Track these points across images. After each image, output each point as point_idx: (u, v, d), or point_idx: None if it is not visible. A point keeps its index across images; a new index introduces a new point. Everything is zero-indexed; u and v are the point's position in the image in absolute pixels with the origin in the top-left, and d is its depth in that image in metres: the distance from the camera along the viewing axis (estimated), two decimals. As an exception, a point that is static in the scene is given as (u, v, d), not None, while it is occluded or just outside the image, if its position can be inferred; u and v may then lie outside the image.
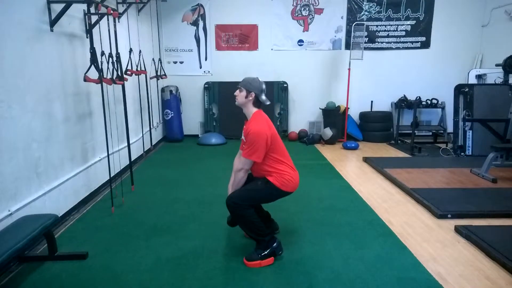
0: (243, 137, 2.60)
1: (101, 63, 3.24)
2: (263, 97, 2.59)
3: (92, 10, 3.35)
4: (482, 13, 6.81)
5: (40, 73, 2.96)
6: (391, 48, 7.04)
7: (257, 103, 2.59)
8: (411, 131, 6.18)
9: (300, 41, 7.00)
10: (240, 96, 2.57)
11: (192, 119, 7.25)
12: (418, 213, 3.43)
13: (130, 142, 3.96)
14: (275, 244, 2.56)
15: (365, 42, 6.77)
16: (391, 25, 6.95)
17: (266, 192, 2.57)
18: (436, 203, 3.47)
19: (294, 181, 2.60)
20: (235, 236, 2.96)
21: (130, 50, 4.61)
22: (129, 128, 3.82)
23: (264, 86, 2.60)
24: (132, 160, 4.06)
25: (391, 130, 6.94)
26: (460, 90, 5.56)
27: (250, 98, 2.55)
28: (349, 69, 6.51)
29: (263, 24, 6.91)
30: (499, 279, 2.33)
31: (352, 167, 5.13)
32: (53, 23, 3.10)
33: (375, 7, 6.87)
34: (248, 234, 2.63)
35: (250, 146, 2.45)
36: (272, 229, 2.87)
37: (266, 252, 2.52)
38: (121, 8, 4.54)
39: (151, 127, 5.89)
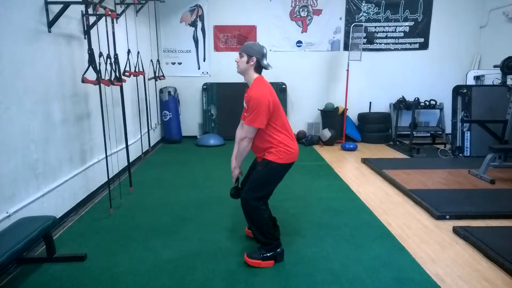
0: (244, 105, 2.51)
1: (99, 64, 3.24)
2: (265, 61, 2.49)
3: (90, 11, 3.35)
4: (480, 15, 6.84)
5: (38, 74, 2.96)
6: (389, 49, 7.05)
7: (259, 68, 2.49)
8: (409, 132, 6.19)
9: (299, 42, 7.01)
10: (241, 61, 2.47)
11: (191, 120, 7.25)
12: (416, 214, 3.44)
13: (129, 143, 3.95)
14: (279, 250, 2.56)
15: (364, 43, 6.78)
16: (390, 26, 6.97)
17: (269, 173, 2.49)
18: (435, 204, 3.47)
19: (292, 151, 2.51)
20: (234, 237, 2.96)
21: (128, 51, 4.60)
22: (127, 130, 3.82)
23: (265, 51, 2.50)
24: (130, 161, 4.05)
25: (390, 131, 6.96)
26: (458, 91, 5.57)
27: (252, 63, 2.45)
28: (347, 70, 6.52)
29: (262, 25, 6.91)
30: (497, 280, 2.33)
31: (351, 168, 5.14)
32: (51, 24, 3.09)
33: (374, 8, 6.89)
34: (255, 236, 2.60)
35: (252, 112, 2.35)
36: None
37: (268, 255, 2.52)
38: (119, 9, 4.54)
39: (150, 128, 5.88)
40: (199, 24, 6.91)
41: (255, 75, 2.50)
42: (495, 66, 5.18)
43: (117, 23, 4.34)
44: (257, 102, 2.34)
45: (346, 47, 6.84)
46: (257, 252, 2.53)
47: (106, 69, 3.42)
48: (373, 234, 3.01)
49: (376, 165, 4.96)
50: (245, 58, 2.46)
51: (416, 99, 6.70)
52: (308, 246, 2.80)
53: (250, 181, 2.56)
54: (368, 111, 7.15)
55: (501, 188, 4.01)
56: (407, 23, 6.95)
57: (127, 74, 4.43)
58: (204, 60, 7.07)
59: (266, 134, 2.46)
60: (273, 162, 2.46)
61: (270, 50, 6.91)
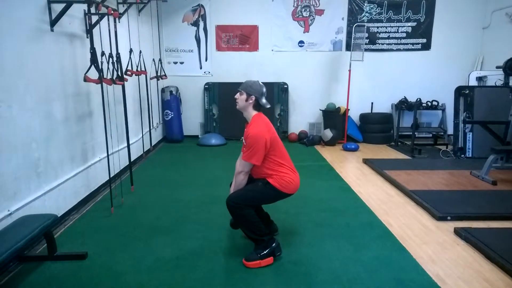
0: (243, 141, 2.61)
1: (101, 63, 3.25)
2: (264, 100, 2.60)
3: (93, 10, 3.36)
4: (483, 15, 6.82)
5: (40, 73, 2.97)
6: (391, 50, 7.04)
7: (257, 106, 2.60)
8: (411, 133, 6.18)
9: (301, 42, 7.00)
10: (241, 99, 2.59)
11: (192, 119, 7.25)
12: (417, 215, 3.43)
13: (130, 142, 3.96)
14: (274, 244, 2.57)
15: (366, 44, 6.77)
16: (392, 27, 6.95)
17: (266, 193, 2.57)
18: (436, 205, 3.46)
19: (294, 183, 2.61)
20: (235, 236, 2.96)
21: (130, 51, 4.61)
22: (129, 129, 3.82)
23: (264, 90, 2.61)
24: (131, 160, 4.06)
25: (391, 131, 6.94)
26: (460, 92, 5.56)
27: (251, 101, 2.56)
28: (349, 71, 6.51)
29: (264, 25, 6.91)
30: (498, 281, 2.33)
31: (352, 169, 5.13)
32: (53, 23, 3.10)
33: (376, 9, 6.88)
34: (247, 235, 2.63)
35: (249, 149, 2.47)
36: (271, 231, 2.87)
37: (265, 252, 2.53)
38: (121, 9, 4.55)
39: (151, 127, 5.89)
40: (201, 24, 6.92)
41: (254, 112, 2.60)
42: (497, 67, 5.15)
43: (119, 22, 4.36)
44: (254, 139, 2.45)
45: (348, 48, 6.83)
46: (253, 253, 2.54)
47: (108, 68, 3.43)
48: (373, 235, 3.01)
49: (377, 166, 4.95)
50: (244, 96, 2.57)
51: (418, 99, 6.68)
52: (309, 246, 2.80)
53: (245, 190, 2.59)
54: (370, 111, 7.14)
55: (502, 189, 4.00)
56: (409, 24, 6.94)
57: (129, 73, 4.43)
58: (206, 60, 7.07)
59: (265, 168, 2.56)
60: (273, 186, 2.53)
61: (272, 50, 6.92)
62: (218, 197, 3.83)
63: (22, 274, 2.43)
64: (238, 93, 2.61)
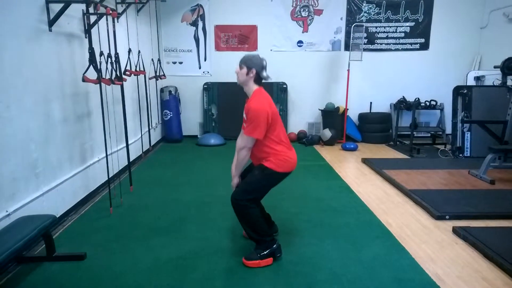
0: (244, 116, 2.55)
1: (100, 63, 3.24)
2: (265, 73, 2.52)
3: (91, 10, 3.35)
4: (480, 15, 6.83)
5: (39, 73, 2.96)
6: (390, 50, 7.05)
7: (259, 80, 2.53)
8: (410, 133, 6.19)
9: (300, 42, 7.00)
10: (241, 73, 2.51)
11: (191, 119, 7.25)
12: (416, 214, 3.44)
13: (129, 142, 3.95)
14: (275, 246, 2.56)
15: (365, 44, 6.78)
16: (390, 27, 6.96)
17: (265, 179, 2.53)
18: (434, 205, 3.47)
19: (290, 160, 2.55)
20: (234, 236, 2.97)
21: (129, 50, 4.60)
22: (127, 129, 3.82)
23: (265, 63, 2.53)
24: (130, 160, 4.05)
25: (390, 131, 6.95)
26: (458, 91, 5.57)
27: (251, 75, 2.48)
28: (348, 70, 6.52)
29: (263, 24, 6.91)
30: (497, 280, 2.33)
31: (351, 168, 5.14)
32: (51, 23, 3.10)
33: (375, 9, 6.88)
34: (249, 234, 2.61)
35: (251, 123, 2.40)
36: (272, 231, 2.86)
37: (265, 253, 2.52)
38: (120, 8, 4.53)
39: (150, 127, 5.88)
40: (200, 24, 6.92)
41: (255, 87, 2.53)
42: (495, 67, 5.17)
43: (118, 22, 4.34)
44: (256, 113, 2.38)
45: (347, 47, 6.83)
46: (254, 253, 2.54)
47: (106, 68, 3.42)
48: (373, 234, 3.01)
49: (376, 165, 4.96)
50: (244, 70, 2.50)
51: (417, 99, 6.70)
52: (308, 246, 2.81)
53: (244, 183, 2.58)
54: (368, 111, 7.15)
55: (501, 188, 4.01)
56: (408, 24, 6.95)
57: (128, 73, 4.43)
58: (205, 60, 7.07)
59: (264, 145, 2.50)
60: (270, 169, 2.49)
61: (271, 50, 6.92)
62: (217, 197, 3.84)
63: (20, 275, 2.42)
64: (238, 67, 2.53)
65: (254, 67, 2.48)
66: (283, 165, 2.52)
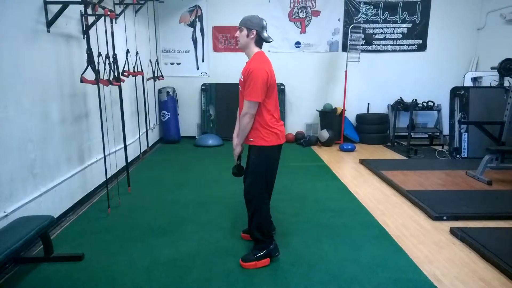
0: (240, 77, 2.47)
1: (98, 64, 3.24)
2: (265, 34, 2.45)
3: (89, 11, 3.35)
4: (478, 17, 6.87)
5: (37, 73, 2.95)
6: (387, 51, 7.08)
7: (260, 41, 2.46)
8: (407, 133, 6.21)
9: (297, 43, 7.02)
10: (241, 36, 2.43)
11: (189, 120, 7.25)
12: (414, 215, 3.45)
13: (127, 143, 3.95)
14: (271, 246, 2.56)
15: (362, 45, 6.80)
16: (388, 28, 6.99)
17: (265, 158, 2.49)
18: (432, 205, 3.48)
19: (278, 131, 2.50)
20: (232, 237, 2.97)
21: (127, 51, 4.60)
22: (125, 129, 3.82)
23: (265, 23, 2.46)
24: (128, 161, 4.05)
25: (388, 132, 6.97)
26: (456, 92, 5.59)
27: (252, 36, 2.41)
28: (346, 71, 6.53)
29: (261, 26, 6.91)
30: (494, 281, 2.34)
31: (349, 169, 5.15)
32: (49, 23, 3.09)
33: (372, 10, 6.91)
34: (252, 233, 2.59)
35: (250, 86, 2.32)
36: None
37: (262, 253, 2.53)
38: (118, 9, 4.53)
39: (148, 128, 5.88)
40: (198, 25, 6.92)
41: (256, 49, 2.48)
42: (492, 68, 5.19)
43: (116, 23, 4.35)
44: (255, 75, 2.31)
45: (344, 48, 6.86)
46: (250, 254, 2.54)
47: (104, 69, 3.43)
48: (370, 235, 3.02)
49: (374, 166, 4.97)
50: (244, 32, 2.44)
51: (414, 100, 6.72)
52: (306, 246, 2.81)
53: (249, 173, 2.54)
54: (366, 112, 7.17)
55: (498, 189, 4.03)
56: (405, 25, 6.98)
57: (126, 74, 4.43)
58: (203, 61, 7.07)
59: (257, 115, 2.43)
60: (263, 146, 2.45)
61: (269, 51, 6.91)
62: (215, 198, 3.84)
63: (18, 276, 2.42)
64: (237, 31, 2.46)
65: (255, 27, 2.41)
66: (272, 139, 2.46)
